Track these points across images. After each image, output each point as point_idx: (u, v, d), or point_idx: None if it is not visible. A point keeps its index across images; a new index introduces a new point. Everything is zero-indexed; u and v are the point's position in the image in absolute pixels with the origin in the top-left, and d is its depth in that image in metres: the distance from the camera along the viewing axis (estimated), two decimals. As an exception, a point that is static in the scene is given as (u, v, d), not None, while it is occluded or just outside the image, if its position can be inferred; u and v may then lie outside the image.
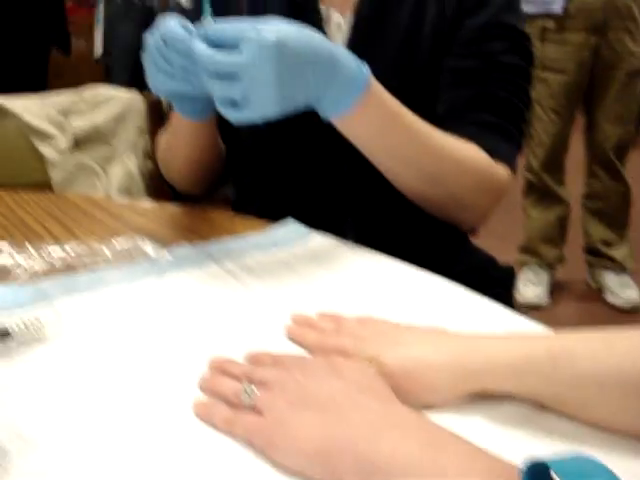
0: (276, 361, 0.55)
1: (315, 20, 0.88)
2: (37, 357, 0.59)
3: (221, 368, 0.56)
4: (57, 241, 0.84)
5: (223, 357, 0.57)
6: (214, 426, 0.50)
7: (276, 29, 0.66)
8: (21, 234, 0.89)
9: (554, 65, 2.34)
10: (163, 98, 0.81)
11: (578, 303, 2.58)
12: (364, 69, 0.73)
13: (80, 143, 1.46)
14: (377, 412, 0.45)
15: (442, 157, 0.81)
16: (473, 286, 0.73)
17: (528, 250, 2.62)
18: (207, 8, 0.75)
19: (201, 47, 0.66)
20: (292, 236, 0.85)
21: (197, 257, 0.79)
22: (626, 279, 2.54)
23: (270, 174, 0.98)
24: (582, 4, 2.26)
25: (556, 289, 2.61)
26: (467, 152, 0.84)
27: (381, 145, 0.79)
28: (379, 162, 0.82)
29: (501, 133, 0.87)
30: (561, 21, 2.29)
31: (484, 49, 0.87)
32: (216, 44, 0.67)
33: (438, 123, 0.82)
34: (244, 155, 0.99)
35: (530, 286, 2.55)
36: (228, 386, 0.53)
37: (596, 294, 2.60)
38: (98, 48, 3.02)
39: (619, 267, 2.55)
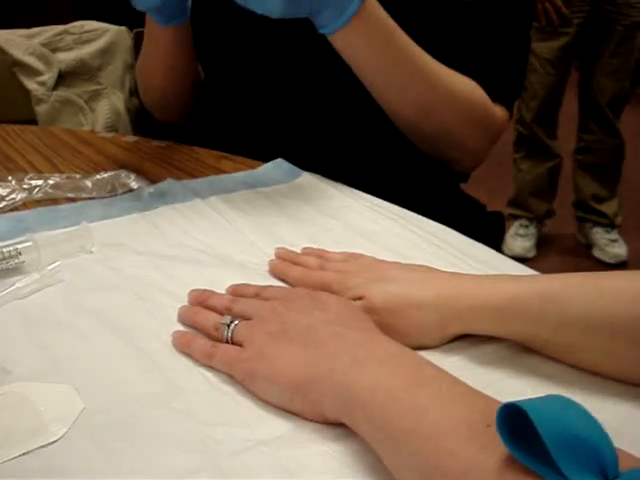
0: (257, 293, 0.54)
1: None
2: (15, 288, 0.57)
3: (201, 300, 0.55)
4: (39, 173, 0.82)
5: (203, 289, 0.56)
6: (194, 358, 0.49)
7: None
8: (2, 166, 0.87)
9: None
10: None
11: (565, 257, 2.59)
12: None
13: (66, 78, 1.43)
14: (359, 344, 0.43)
15: (436, 85, 0.79)
16: (462, 230, 0.72)
17: (518, 203, 2.62)
18: None
19: None
20: (282, 175, 0.84)
21: (182, 192, 0.78)
22: (614, 235, 2.55)
23: (260, 115, 0.96)
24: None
25: (544, 243, 2.62)
26: (464, 86, 0.82)
27: (374, 64, 0.77)
28: (371, 84, 0.80)
29: (502, 75, 0.85)
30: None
31: None
32: None
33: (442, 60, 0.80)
34: (234, 95, 0.97)
35: (518, 239, 2.56)
36: (207, 318, 0.51)
37: (583, 249, 2.61)
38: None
39: (608, 223, 2.55)
